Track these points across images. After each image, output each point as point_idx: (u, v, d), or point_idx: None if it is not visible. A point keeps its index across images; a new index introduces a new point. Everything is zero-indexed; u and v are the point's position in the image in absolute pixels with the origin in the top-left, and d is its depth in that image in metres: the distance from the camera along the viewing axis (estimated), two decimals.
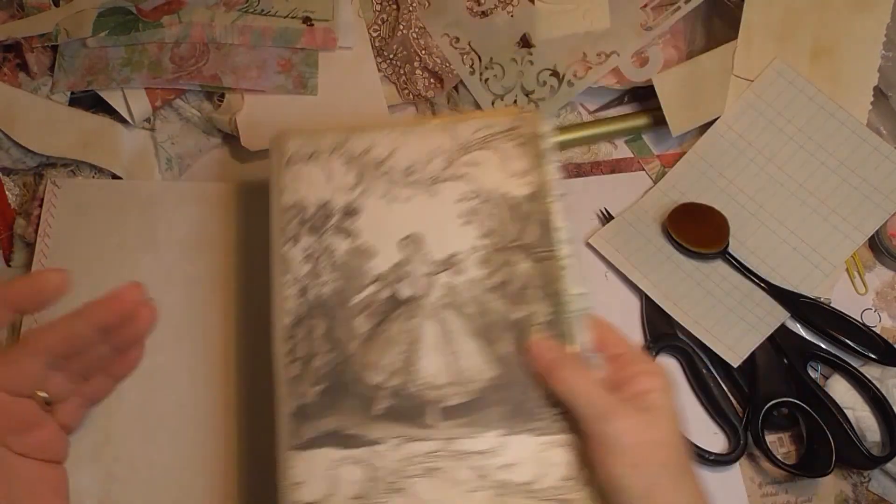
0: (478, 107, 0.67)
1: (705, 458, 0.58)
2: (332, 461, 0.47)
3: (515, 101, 0.67)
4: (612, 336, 0.50)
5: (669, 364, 0.62)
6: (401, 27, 0.68)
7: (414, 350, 0.49)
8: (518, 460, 0.47)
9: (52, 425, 0.40)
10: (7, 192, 0.64)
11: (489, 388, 0.48)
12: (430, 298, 0.50)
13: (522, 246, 0.51)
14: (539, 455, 0.47)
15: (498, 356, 0.49)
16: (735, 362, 0.59)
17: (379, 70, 0.68)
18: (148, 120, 0.66)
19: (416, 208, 0.52)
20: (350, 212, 0.52)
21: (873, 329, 0.61)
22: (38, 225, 0.60)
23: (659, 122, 0.67)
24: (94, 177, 0.64)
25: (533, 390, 0.48)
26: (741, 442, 0.58)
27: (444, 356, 0.49)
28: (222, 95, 0.65)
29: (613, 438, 0.44)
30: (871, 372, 0.60)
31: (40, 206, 0.61)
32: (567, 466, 0.47)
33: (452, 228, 0.51)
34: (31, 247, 0.60)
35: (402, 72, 0.68)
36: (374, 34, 0.69)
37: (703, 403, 0.61)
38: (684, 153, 0.67)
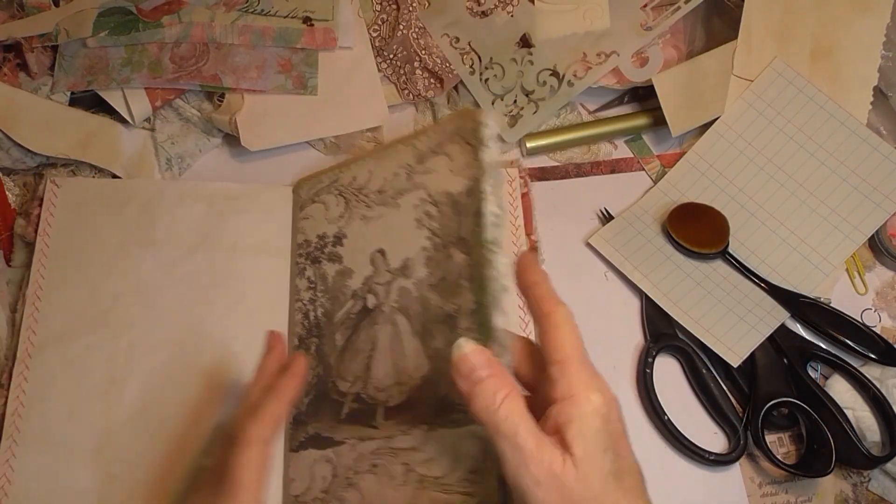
0: (478, 107, 0.67)
1: (705, 457, 0.58)
2: (312, 460, 0.52)
3: (515, 101, 0.67)
4: (559, 337, 0.40)
5: (669, 364, 0.62)
6: (401, 27, 0.68)
7: (372, 356, 0.52)
8: (436, 455, 0.48)
9: None
10: (7, 192, 0.64)
11: (422, 385, 0.49)
12: (387, 305, 0.53)
13: (459, 240, 0.49)
14: (453, 448, 0.48)
15: (432, 352, 0.49)
16: (735, 362, 0.59)
17: (379, 70, 0.68)
18: (148, 120, 0.66)
19: (383, 223, 0.55)
20: (338, 238, 0.56)
21: (873, 329, 0.61)
22: (37, 224, 0.60)
23: (659, 122, 0.67)
24: (93, 176, 0.64)
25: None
26: (741, 442, 0.58)
27: (393, 358, 0.51)
28: (222, 95, 0.65)
29: (524, 489, 0.38)
30: (871, 372, 0.60)
31: (40, 205, 0.61)
32: (474, 459, 0.46)
33: (408, 235, 0.53)
34: (30, 246, 0.60)
35: (402, 72, 0.68)
36: (374, 34, 0.69)
37: (703, 403, 0.61)
38: (684, 153, 0.67)
